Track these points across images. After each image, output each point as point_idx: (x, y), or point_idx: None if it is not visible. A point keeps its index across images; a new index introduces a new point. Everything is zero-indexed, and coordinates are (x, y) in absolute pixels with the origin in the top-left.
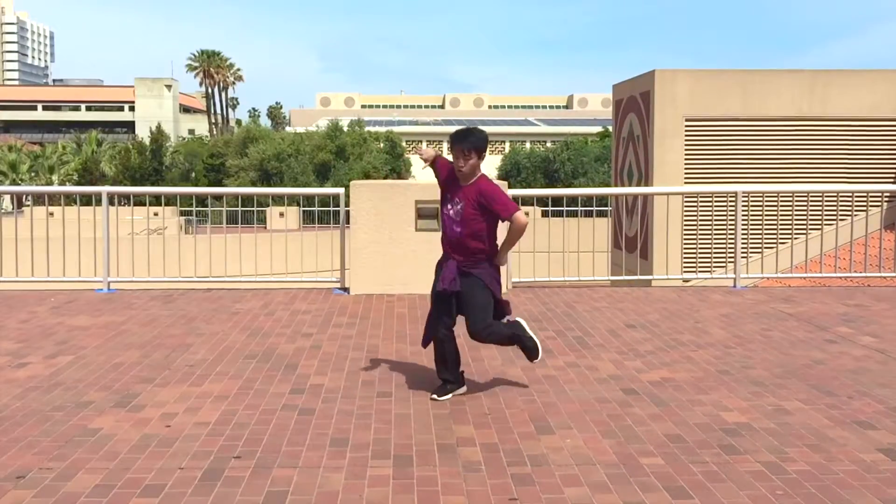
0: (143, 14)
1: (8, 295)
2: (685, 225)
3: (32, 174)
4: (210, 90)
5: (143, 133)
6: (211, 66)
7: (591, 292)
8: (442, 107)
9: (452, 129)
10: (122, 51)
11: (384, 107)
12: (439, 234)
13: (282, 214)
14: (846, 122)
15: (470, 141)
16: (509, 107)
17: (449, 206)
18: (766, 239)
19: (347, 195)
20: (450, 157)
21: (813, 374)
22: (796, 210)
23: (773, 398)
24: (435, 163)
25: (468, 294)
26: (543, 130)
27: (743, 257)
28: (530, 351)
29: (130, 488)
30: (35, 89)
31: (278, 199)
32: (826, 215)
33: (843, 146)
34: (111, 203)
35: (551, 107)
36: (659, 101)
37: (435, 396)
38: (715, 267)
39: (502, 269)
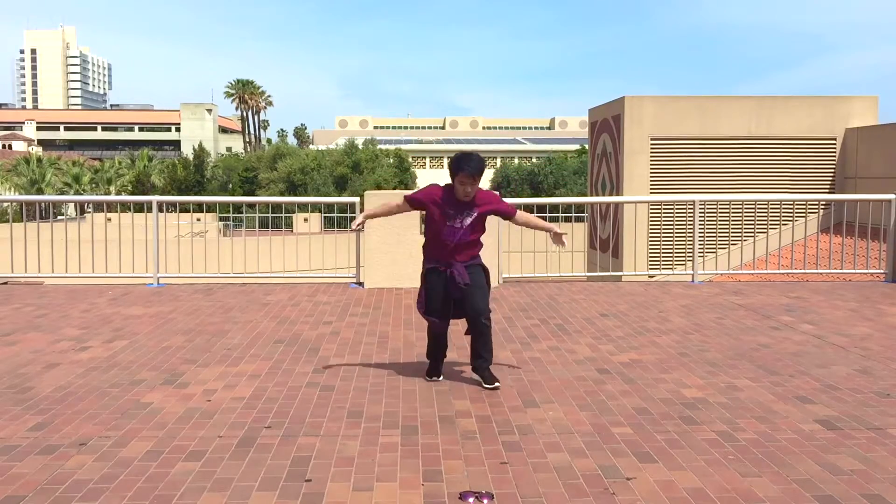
0: (187, 48)
1: (72, 289)
2: (650, 229)
3: (93, 185)
4: (244, 114)
5: (187, 150)
6: (245, 92)
7: (570, 286)
8: (443, 128)
9: (452, 147)
10: (170, 80)
11: (393, 128)
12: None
13: (306, 220)
14: (788, 140)
15: (481, 169)
16: (500, 128)
17: (458, 220)
18: (719, 240)
19: (362, 203)
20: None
21: (759, 356)
22: (746, 216)
23: (726, 377)
24: (411, 204)
25: (477, 280)
26: (529, 148)
27: (700, 256)
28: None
29: (177, 454)
30: (95, 113)
31: (303, 207)
32: (771, 220)
33: (785, 161)
34: (160, 210)
35: (536, 128)
36: (628, 122)
37: (490, 386)
38: (676, 264)
39: (493, 265)
